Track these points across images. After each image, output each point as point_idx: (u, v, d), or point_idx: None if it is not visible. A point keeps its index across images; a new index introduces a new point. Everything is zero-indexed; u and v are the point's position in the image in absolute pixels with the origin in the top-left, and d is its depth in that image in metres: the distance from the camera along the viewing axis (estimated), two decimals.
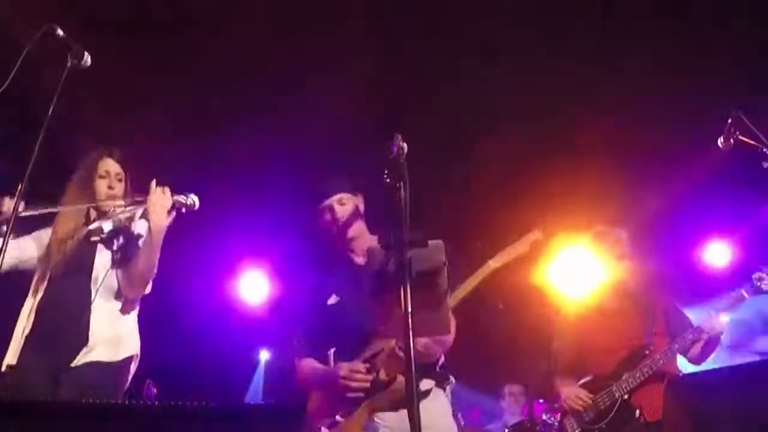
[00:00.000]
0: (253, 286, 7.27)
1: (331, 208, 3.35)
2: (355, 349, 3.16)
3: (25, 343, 3.17)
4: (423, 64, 5.55)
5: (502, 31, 5.27)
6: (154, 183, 3.30)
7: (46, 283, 3.31)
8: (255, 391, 7.80)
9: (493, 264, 3.26)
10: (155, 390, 5.66)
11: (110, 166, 3.48)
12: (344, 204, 3.36)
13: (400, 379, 3.05)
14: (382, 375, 3.10)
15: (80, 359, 3.15)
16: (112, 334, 3.25)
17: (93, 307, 3.24)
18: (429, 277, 2.43)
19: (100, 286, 3.29)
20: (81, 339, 3.17)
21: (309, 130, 5.82)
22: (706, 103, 4.65)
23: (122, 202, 3.41)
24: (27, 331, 3.19)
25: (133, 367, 3.35)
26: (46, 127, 2.59)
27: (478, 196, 6.35)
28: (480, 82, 5.58)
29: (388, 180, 2.41)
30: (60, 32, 2.77)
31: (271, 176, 5.89)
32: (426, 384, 3.12)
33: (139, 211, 3.38)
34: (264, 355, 7.96)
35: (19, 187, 2.58)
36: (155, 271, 3.34)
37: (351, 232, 3.34)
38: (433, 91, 5.70)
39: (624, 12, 5.20)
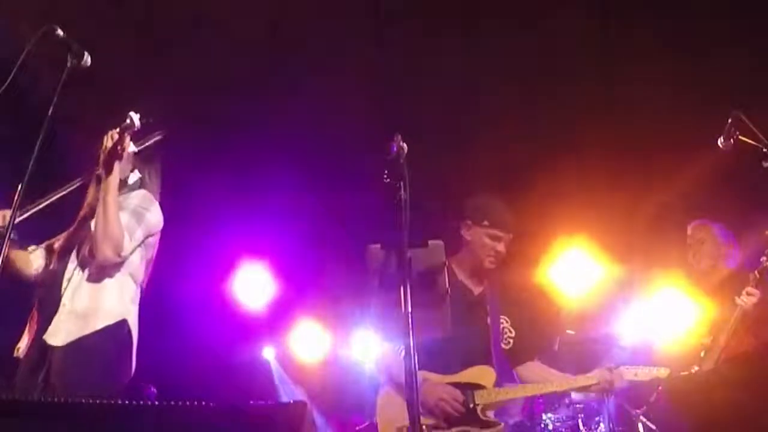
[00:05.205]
0: (252, 286, 7.27)
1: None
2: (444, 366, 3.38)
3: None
4: (423, 65, 5.54)
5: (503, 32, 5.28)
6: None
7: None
8: (286, 390, 7.73)
9: (558, 387, 3.55)
10: (155, 390, 5.67)
11: None
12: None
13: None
14: (481, 413, 3.32)
15: (51, 336, 2.93)
16: (81, 307, 3.00)
17: (66, 279, 3.04)
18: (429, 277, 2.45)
19: (78, 256, 3.09)
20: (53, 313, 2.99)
21: (309, 130, 5.82)
22: (706, 103, 4.65)
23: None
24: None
25: (122, 335, 3.03)
26: (45, 127, 2.59)
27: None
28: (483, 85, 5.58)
29: (388, 180, 2.42)
30: (60, 32, 2.76)
31: (270, 175, 5.88)
32: None
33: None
34: (269, 353, 7.92)
35: (19, 187, 2.57)
36: (116, 228, 2.98)
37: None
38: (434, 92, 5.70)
39: (624, 13, 5.20)
